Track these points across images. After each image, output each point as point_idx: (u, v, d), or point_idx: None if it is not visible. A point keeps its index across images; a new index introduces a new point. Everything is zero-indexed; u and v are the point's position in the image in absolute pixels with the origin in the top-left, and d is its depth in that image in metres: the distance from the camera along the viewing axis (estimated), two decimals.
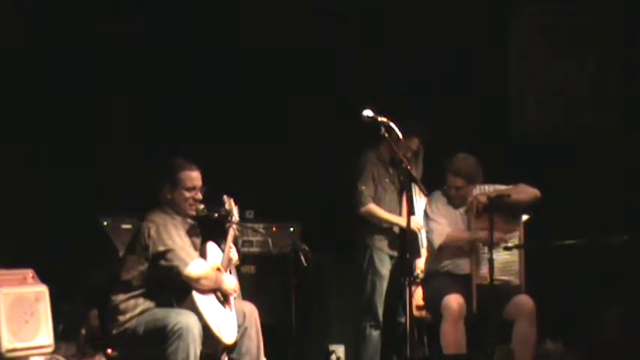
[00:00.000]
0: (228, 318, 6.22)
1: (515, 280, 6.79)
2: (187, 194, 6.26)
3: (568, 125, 8.71)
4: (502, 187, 6.85)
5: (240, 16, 8.29)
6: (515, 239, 6.81)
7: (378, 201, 7.49)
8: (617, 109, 8.66)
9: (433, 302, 6.80)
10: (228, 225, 6.44)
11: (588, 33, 8.65)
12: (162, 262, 6.06)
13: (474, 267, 6.72)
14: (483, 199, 6.64)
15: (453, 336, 6.58)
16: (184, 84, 8.15)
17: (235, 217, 6.48)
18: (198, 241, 6.37)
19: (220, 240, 6.46)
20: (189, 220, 6.34)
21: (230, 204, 6.46)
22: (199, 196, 6.30)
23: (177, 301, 6.07)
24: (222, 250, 6.40)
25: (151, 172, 6.44)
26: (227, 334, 6.14)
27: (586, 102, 8.73)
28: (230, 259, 6.42)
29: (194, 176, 6.29)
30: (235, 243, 6.55)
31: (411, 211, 6.66)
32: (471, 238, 6.71)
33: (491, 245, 6.41)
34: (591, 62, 8.68)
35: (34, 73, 7.74)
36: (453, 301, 6.59)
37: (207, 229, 6.51)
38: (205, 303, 6.09)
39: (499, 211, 6.54)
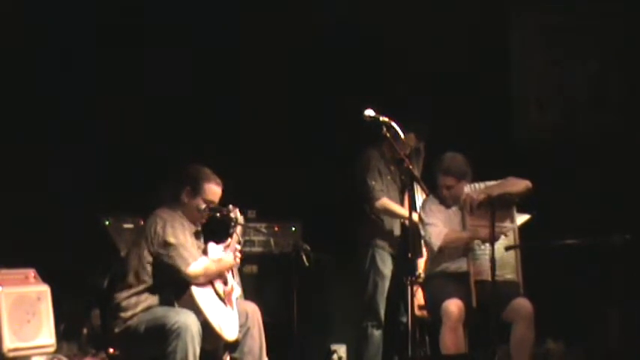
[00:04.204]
0: (229, 315, 6.23)
1: (512, 275, 6.78)
2: (203, 205, 6.29)
3: (568, 125, 8.73)
4: (492, 183, 6.85)
5: (240, 15, 8.30)
6: (510, 235, 6.80)
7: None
8: (617, 109, 8.68)
9: (433, 304, 6.78)
10: (232, 231, 6.46)
11: (588, 33, 8.67)
12: (165, 259, 6.09)
13: (471, 264, 6.72)
14: (481, 196, 6.64)
15: (452, 341, 6.56)
16: (184, 84, 8.15)
17: (240, 224, 6.49)
18: (202, 245, 6.39)
19: (221, 240, 6.47)
20: (195, 226, 6.38)
21: (235, 213, 6.47)
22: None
23: (176, 297, 6.08)
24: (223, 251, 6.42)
25: (172, 171, 6.45)
26: (228, 330, 6.15)
27: (586, 102, 8.75)
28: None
29: (216, 191, 6.36)
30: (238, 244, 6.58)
31: (413, 210, 6.65)
32: (469, 239, 6.70)
33: (493, 245, 6.42)
34: (592, 62, 8.71)
35: (34, 72, 7.73)
36: (453, 305, 6.57)
37: (209, 229, 6.52)
38: (205, 299, 6.11)
39: (494, 207, 6.55)
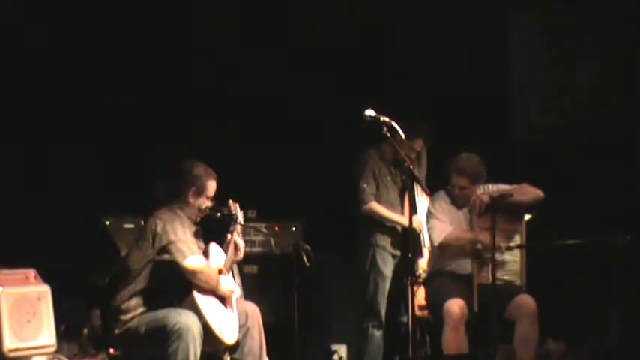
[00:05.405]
0: (230, 318, 6.22)
1: (516, 279, 6.78)
2: (207, 203, 6.31)
3: (568, 125, 8.73)
4: (506, 187, 6.84)
5: (241, 15, 8.29)
6: (517, 239, 6.81)
7: (379, 199, 7.46)
8: (617, 109, 8.68)
9: (435, 304, 6.79)
10: (232, 228, 6.45)
11: (588, 33, 8.67)
12: (164, 255, 6.07)
13: (476, 266, 6.72)
14: (486, 198, 6.64)
15: (454, 341, 6.57)
16: (184, 84, 8.14)
17: (240, 221, 6.48)
18: (202, 245, 6.38)
19: (222, 241, 6.46)
20: (194, 226, 6.38)
21: (236, 209, 6.46)
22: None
23: (178, 300, 6.07)
24: (225, 252, 6.41)
25: (170, 170, 6.45)
26: (228, 334, 6.14)
27: (586, 102, 8.76)
28: (233, 261, 6.43)
29: (214, 186, 6.37)
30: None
31: (413, 211, 6.65)
32: (473, 239, 6.70)
33: (494, 245, 6.41)
34: (592, 62, 8.71)
35: (34, 72, 7.73)
36: (455, 305, 6.57)
37: (209, 229, 6.51)
38: (206, 302, 6.09)
39: (501, 211, 6.53)
